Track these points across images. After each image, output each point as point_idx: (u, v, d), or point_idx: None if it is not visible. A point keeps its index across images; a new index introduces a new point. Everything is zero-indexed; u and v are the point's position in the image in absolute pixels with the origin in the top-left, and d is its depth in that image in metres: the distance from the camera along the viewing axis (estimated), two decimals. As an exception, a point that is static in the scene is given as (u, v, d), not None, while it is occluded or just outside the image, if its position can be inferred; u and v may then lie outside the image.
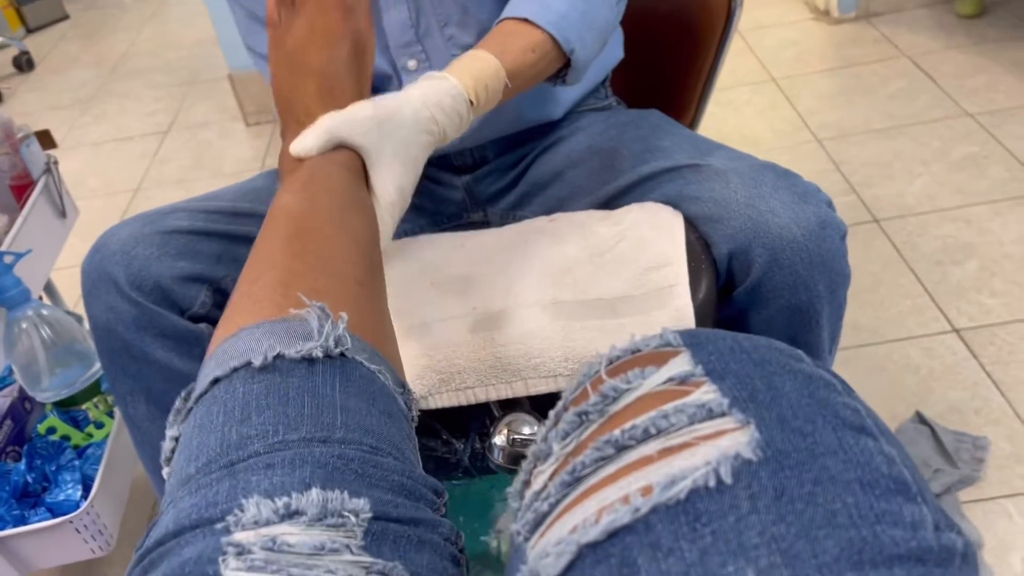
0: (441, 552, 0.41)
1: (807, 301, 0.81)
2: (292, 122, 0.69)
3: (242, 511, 0.36)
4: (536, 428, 0.83)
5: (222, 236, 0.90)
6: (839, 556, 0.27)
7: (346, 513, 0.37)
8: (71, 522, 1.09)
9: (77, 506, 1.12)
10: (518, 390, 0.81)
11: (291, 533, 0.36)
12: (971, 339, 1.40)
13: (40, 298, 1.15)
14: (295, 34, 0.69)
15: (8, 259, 0.99)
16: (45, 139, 1.23)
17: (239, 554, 0.35)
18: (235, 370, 0.44)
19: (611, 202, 0.93)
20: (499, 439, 0.82)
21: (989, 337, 1.40)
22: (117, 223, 0.90)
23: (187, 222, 0.89)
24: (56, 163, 1.21)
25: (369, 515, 0.38)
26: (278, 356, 0.44)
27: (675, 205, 0.87)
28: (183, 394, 0.48)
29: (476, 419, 0.89)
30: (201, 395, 0.45)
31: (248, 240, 0.91)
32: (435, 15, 0.93)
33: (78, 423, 1.28)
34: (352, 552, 0.36)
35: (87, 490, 1.15)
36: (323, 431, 0.41)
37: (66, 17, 3.78)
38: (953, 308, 1.46)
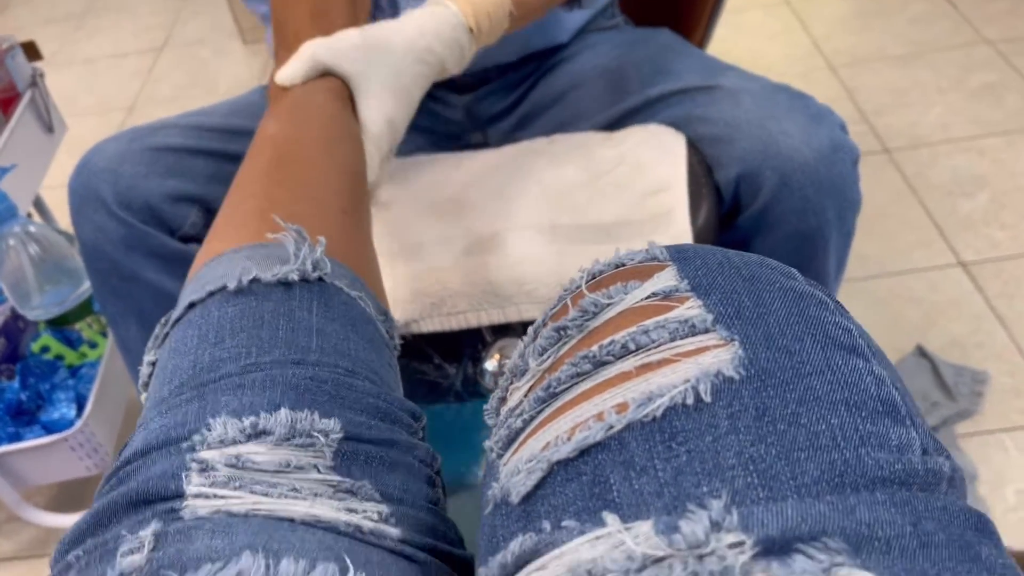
0: (415, 474, 0.40)
1: (815, 227, 0.79)
2: (282, 47, 0.66)
3: (209, 430, 0.35)
4: (529, 354, 0.82)
5: (214, 154, 0.87)
6: (819, 478, 0.26)
7: (315, 433, 0.36)
8: (66, 440, 1.09)
9: (71, 424, 1.12)
10: (511, 315, 0.79)
11: (257, 452, 0.35)
12: (977, 272, 1.37)
13: (29, 216, 1.13)
14: None
15: (-7, 174, 0.96)
16: (31, 51, 1.19)
17: (202, 470, 0.34)
18: (211, 294, 0.43)
19: (616, 124, 0.90)
20: (490, 364, 0.81)
21: (995, 271, 1.37)
22: (103, 139, 0.87)
23: (178, 139, 0.86)
24: (42, 76, 1.17)
25: (340, 435, 0.37)
26: (253, 280, 0.43)
27: (682, 127, 0.84)
28: (162, 320, 0.47)
29: (468, 344, 0.87)
30: (177, 319, 0.44)
31: (240, 159, 0.88)
32: None
33: (72, 342, 1.27)
34: (319, 471, 0.36)
35: (81, 409, 1.15)
36: (297, 353, 0.40)
37: (59, -73, 3.66)
38: (960, 241, 1.43)
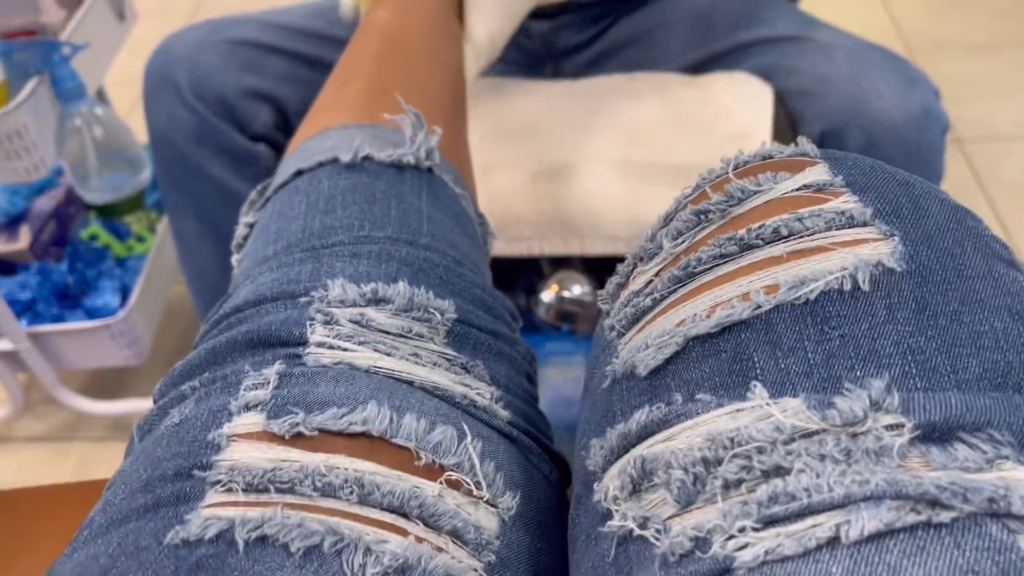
0: (518, 367, 0.40)
1: None
2: None
3: (327, 290, 0.35)
4: (587, 288, 0.81)
5: (291, 54, 0.86)
6: (981, 376, 0.25)
7: (432, 310, 0.36)
8: (108, 326, 1.10)
9: (114, 312, 1.12)
10: (573, 248, 0.78)
11: (378, 316, 0.35)
12: (1037, 274, 1.34)
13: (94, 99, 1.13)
14: None
15: (66, 50, 0.96)
16: (109, -65, 1.17)
17: (327, 322, 0.34)
18: (321, 164, 0.43)
19: (699, 69, 0.88)
20: (547, 295, 0.80)
21: (1056, 274, 1.34)
22: (184, 27, 0.86)
23: (256, 34, 0.85)
24: (119, -39, 1.16)
25: (453, 316, 0.37)
26: (367, 157, 0.43)
27: (768, 77, 0.82)
28: (258, 187, 0.47)
29: (524, 274, 0.86)
30: (282, 185, 0.43)
31: (318, 63, 0.87)
32: None
33: (120, 234, 1.28)
34: (436, 344, 0.36)
35: (124, 299, 1.16)
36: (409, 234, 0.40)
37: None
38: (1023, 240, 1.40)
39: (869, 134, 0.75)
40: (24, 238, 1.19)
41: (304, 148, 0.45)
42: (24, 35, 1.12)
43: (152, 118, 0.84)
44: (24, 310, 1.15)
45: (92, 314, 1.15)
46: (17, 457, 1.23)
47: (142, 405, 1.20)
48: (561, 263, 0.82)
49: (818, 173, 0.31)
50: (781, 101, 0.81)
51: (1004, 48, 1.83)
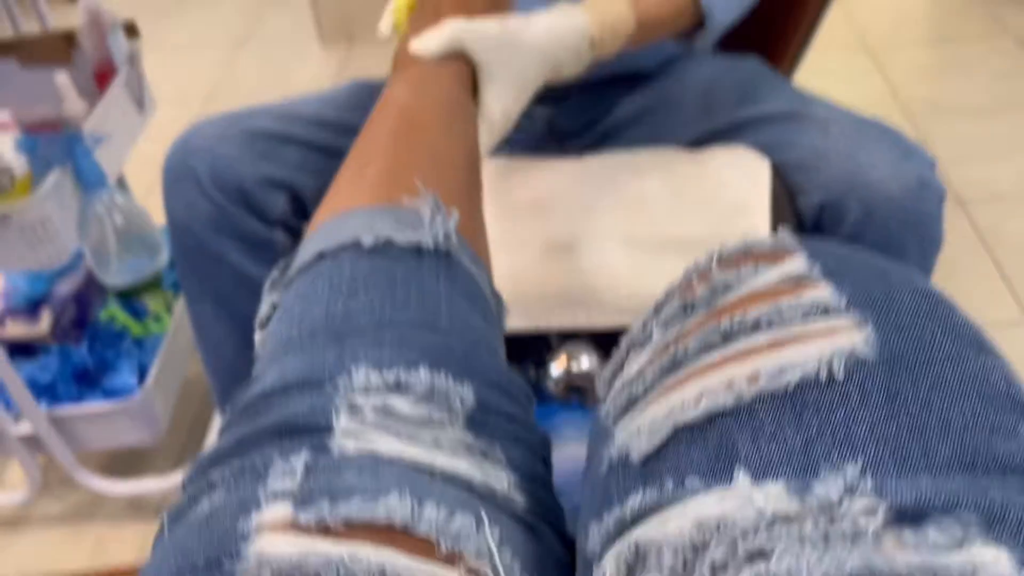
0: (535, 451, 0.41)
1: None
2: (420, 17, 0.68)
3: (351, 377, 0.36)
4: (595, 361, 0.82)
5: (305, 143, 0.89)
6: (951, 459, 0.26)
7: (452, 396, 0.37)
8: (126, 407, 1.12)
9: (133, 392, 1.14)
10: (581, 321, 0.79)
11: (400, 404, 0.36)
12: (1047, 333, 1.34)
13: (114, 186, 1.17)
14: None
15: (88, 142, 1.00)
16: (130, 30, 1.23)
17: (352, 411, 0.35)
18: (342, 247, 0.44)
19: (699, 145, 0.90)
20: (556, 368, 0.81)
21: (1066, 333, 1.34)
22: (201, 120, 0.90)
23: (272, 124, 0.88)
24: (139, 53, 1.21)
25: (472, 402, 0.38)
26: (387, 241, 0.44)
27: (768, 151, 0.84)
28: (280, 264, 0.48)
29: (533, 348, 0.88)
30: (305, 267, 0.45)
31: (331, 150, 0.90)
32: None
33: (138, 314, 1.30)
34: (456, 430, 0.37)
35: (142, 379, 1.17)
36: (429, 318, 0.41)
37: (154, -78, 3.79)
38: (1031, 299, 1.41)
39: (867, 205, 0.76)
40: (45, 322, 1.22)
41: (325, 230, 0.46)
42: (47, 127, 1.16)
43: (171, 207, 0.87)
44: (44, 392, 1.17)
45: (110, 394, 1.17)
46: (34, 540, 1.23)
47: (158, 485, 1.21)
48: (569, 336, 0.84)
49: (796, 263, 0.33)
50: (780, 174, 0.83)
51: (1002, 110, 1.87)
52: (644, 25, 0.74)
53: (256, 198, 0.86)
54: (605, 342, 0.85)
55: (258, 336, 0.45)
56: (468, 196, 0.54)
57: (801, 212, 0.82)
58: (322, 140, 0.90)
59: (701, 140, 0.90)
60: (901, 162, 0.77)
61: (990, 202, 1.62)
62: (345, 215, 0.46)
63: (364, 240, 0.43)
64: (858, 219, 0.77)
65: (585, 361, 0.81)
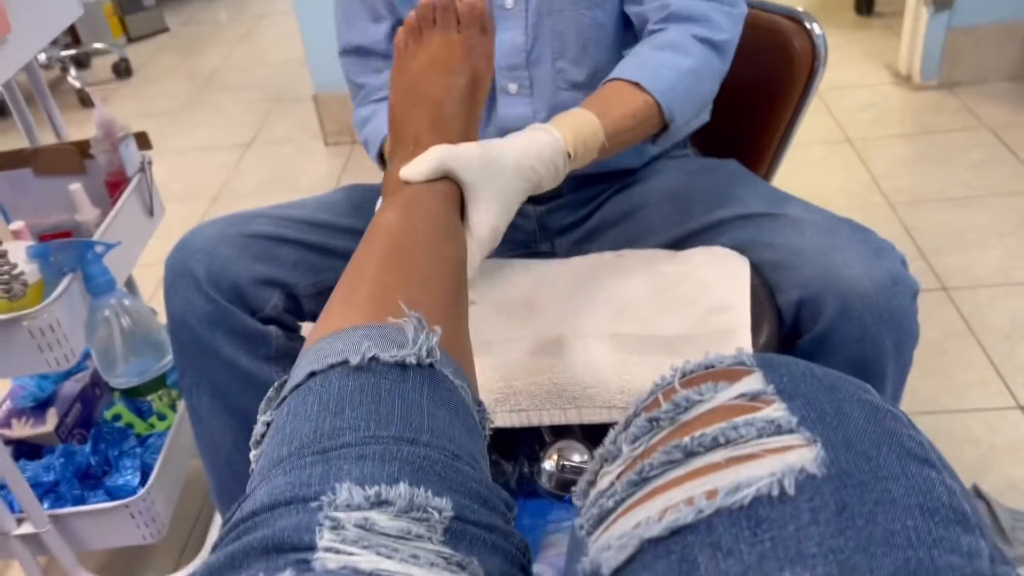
0: (513, 560, 0.42)
1: (873, 356, 0.81)
2: (400, 146, 0.74)
3: (335, 494, 0.39)
4: (586, 456, 0.84)
5: (299, 244, 0.94)
6: (895, 572, 0.28)
7: (430, 509, 0.39)
8: (127, 506, 1.13)
9: (135, 492, 1.16)
10: (571, 417, 0.82)
11: (380, 519, 0.38)
12: (1036, 418, 1.36)
13: (123, 290, 1.21)
14: (418, 62, 0.75)
15: (99, 249, 1.04)
16: (142, 140, 1.29)
17: (334, 528, 0.37)
18: (332, 366, 0.47)
19: (680, 244, 0.95)
20: (549, 464, 0.83)
21: (1055, 417, 1.36)
22: (203, 222, 0.95)
23: (269, 228, 0.93)
24: (150, 163, 1.27)
25: (450, 514, 0.40)
26: (373, 358, 0.47)
27: (746, 250, 0.88)
28: (275, 384, 0.51)
29: (526, 443, 0.90)
30: (296, 386, 0.48)
31: (323, 250, 0.95)
32: (551, 46, 0.95)
33: (142, 413, 1.33)
34: (434, 543, 0.39)
35: (145, 478, 1.19)
36: (411, 432, 0.44)
37: (166, 30, 3.96)
38: (1020, 384, 1.43)
39: (843, 301, 0.80)
40: (51, 421, 1.24)
41: (318, 348, 0.50)
42: (60, 235, 1.21)
43: (170, 304, 0.91)
44: (47, 492, 1.19)
45: (112, 494, 1.18)
46: (32, 643, 1.22)
47: (157, 584, 1.21)
48: (562, 431, 0.86)
49: (753, 382, 0.36)
50: (758, 272, 0.87)
51: (980, 200, 1.93)
52: (613, 136, 0.79)
53: (251, 296, 0.90)
54: (596, 435, 0.88)
55: (253, 455, 0.48)
56: (453, 312, 0.58)
57: (780, 308, 0.85)
58: (317, 240, 0.94)
59: (682, 238, 0.94)
60: (873, 260, 0.81)
61: (973, 289, 1.66)
62: (335, 336, 0.50)
63: (352, 359, 0.46)
64: (835, 315, 0.80)
65: (576, 457, 0.83)
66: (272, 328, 0.93)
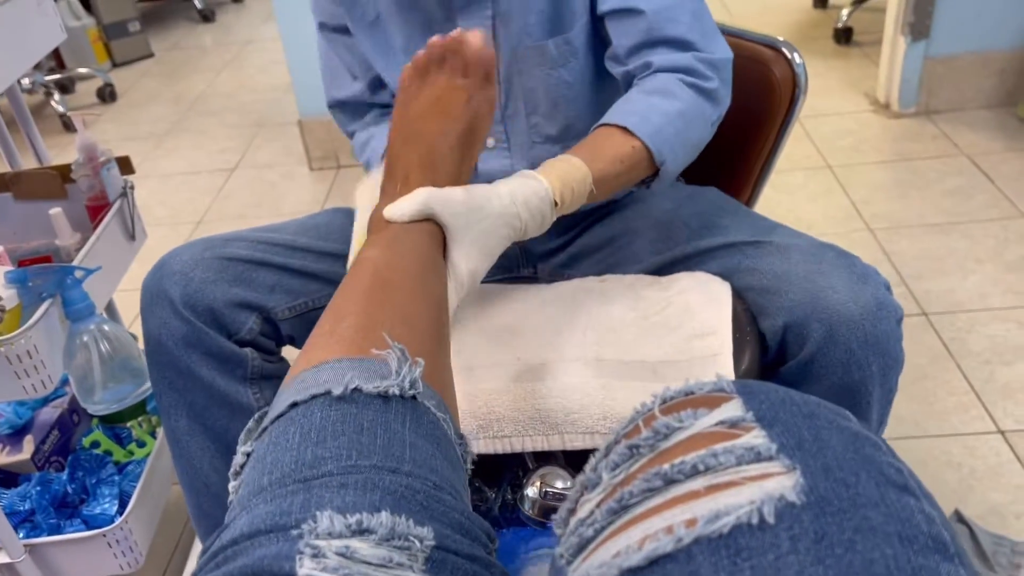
0: None
1: (859, 381, 0.81)
2: (390, 183, 0.74)
3: (316, 522, 0.38)
4: (569, 483, 0.84)
5: (278, 267, 0.94)
6: None
7: (412, 538, 0.39)
8: (104, 536, 1.11)
9: (112, 520, 1.14)
10: (554, 443, 0.81)
11: (362, 547, 0.38)
12: (1017, 442, 1.37)
13: (102, 315, 1.20)
14: (420, 102, 0.75)
15: (79, 274, 1.03)
16: (124, 165, 1.29)
17: (314, 556, 0.37)
18: (314, 397, 0.47)
19: (663, 271, 0.95)
20: (532, 491, 0.83)
21: (1036, 442, 1.37)
22: (180, 245, 0.94)
23: (246, 251, 0.93)
24: (132, 188, 1.26)
25: (432, 543, 0.40)
26: (356, 389, 0.47)
27: (731, 276, 0.89)
28: (256, 415, 0.51)
29: (509, 469, 0.90)
30: (278, 416, 0.48)
31: (302, 273, 0.95)
32: (525, 102, 0.97)
33: (121, 440, 1.31)
34: (415, 572, 0.39)
35: (123, 506, 1.17)
36: (393, 462, 0.44)
37: (151, 55, 3.96)
38: (1000, 409, 1.44)
39: (828, 326, 0.80)
40: (27, 449, 1.23)
41: (301, 380, 0.50)
42: (40, 260, 1.20)
43: (147, 325, 0.91)
44: (23, 521, 1.17)
45: (90, 522, 1.16)
46: (4, 676, 1.20)
47: (135, 615, 1.19)
48: (545, 456, 0.86)
49: (732, 409, 0.36)
50: (742, 297, 0.87)
51: (958, 226, 1.95)
52: (601, 182, 0.80)
53: (227, 319, 0.90)
54: (580, 461, 0.87)
55: (232, 486, 0.48)
56: (436, 347, 0.58)
57: (765, 333, 0.85)
58: (295, 264, 0.95)
59: (665, 265, 0.95)
60: (858, 285, 0.81)
61: (952, 314, 1.67)
62: (318, 368, 0.50)
63: (334, 390, 0.47)
64: (821, 339, 0.81)
65: (559, 483, 0.82)
66: (248, 351, 0.92)
